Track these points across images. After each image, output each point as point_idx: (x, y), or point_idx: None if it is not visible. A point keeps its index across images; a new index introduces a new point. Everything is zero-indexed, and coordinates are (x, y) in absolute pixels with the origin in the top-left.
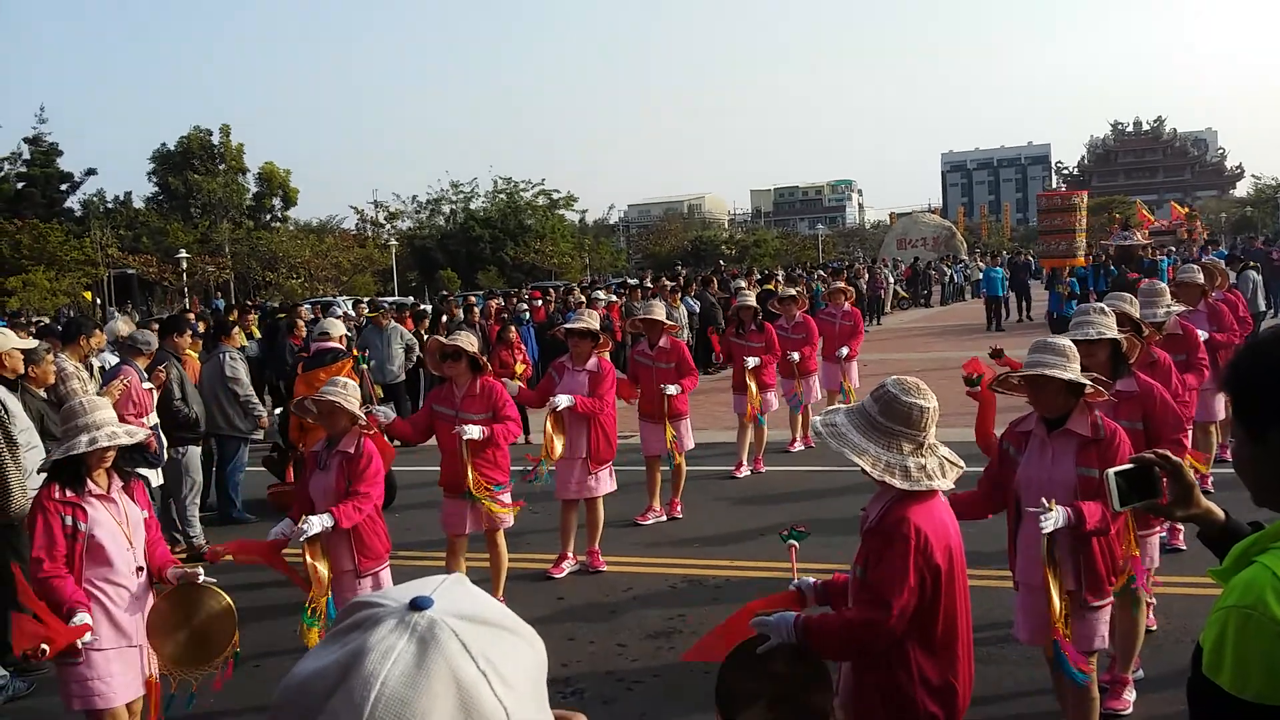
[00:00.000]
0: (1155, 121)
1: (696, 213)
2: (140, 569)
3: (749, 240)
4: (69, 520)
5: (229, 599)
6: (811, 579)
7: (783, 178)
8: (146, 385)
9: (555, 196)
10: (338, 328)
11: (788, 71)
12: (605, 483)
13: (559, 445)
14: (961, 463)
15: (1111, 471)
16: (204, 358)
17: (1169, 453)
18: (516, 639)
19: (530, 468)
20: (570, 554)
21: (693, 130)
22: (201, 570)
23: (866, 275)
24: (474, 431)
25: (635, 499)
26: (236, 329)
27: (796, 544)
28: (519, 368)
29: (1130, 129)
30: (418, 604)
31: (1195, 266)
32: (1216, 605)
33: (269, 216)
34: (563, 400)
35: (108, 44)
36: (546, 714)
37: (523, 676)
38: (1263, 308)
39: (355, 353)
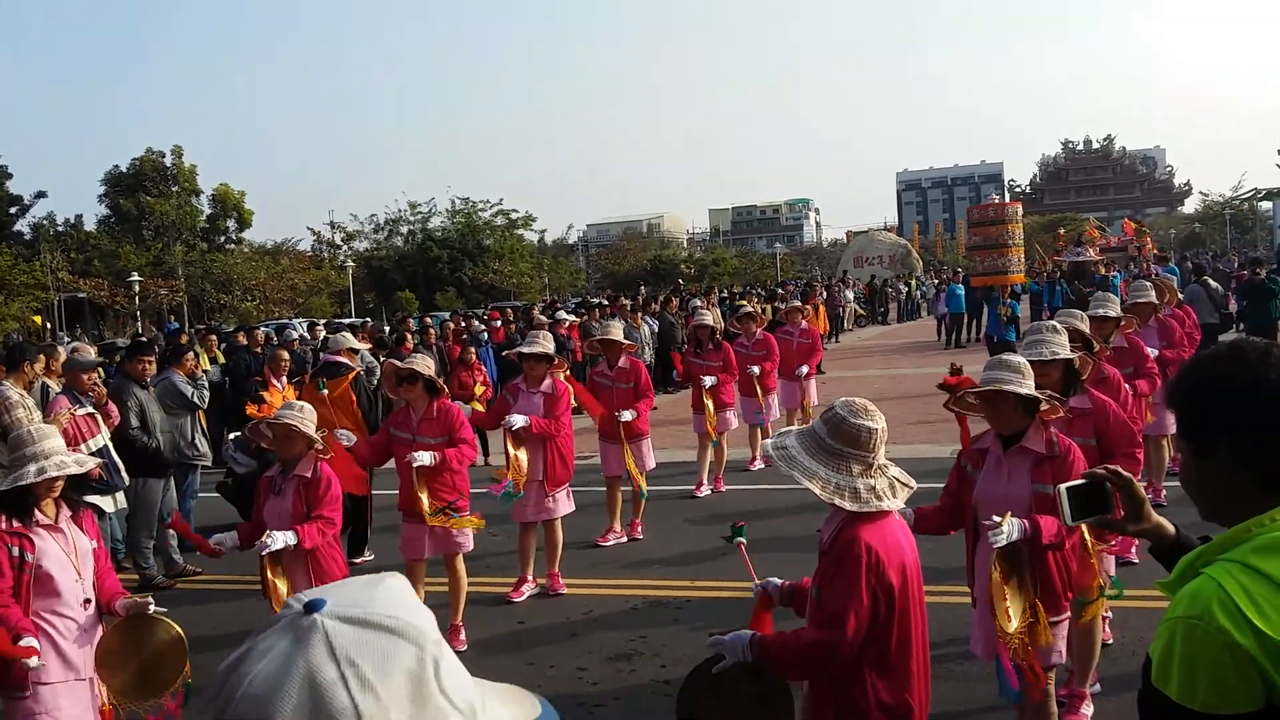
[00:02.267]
0: (1105, 140)
1: (655, 232)
2: (89, 601)
3: (708, 259)
4: (15, 551)
5: (179, 629)
6: (777, 580)
7: (741, 197)
8: (83, 410)
9: (514, 216)
10: (345, 342)
11: (745, 91)
12: (563, 504)
13: (524, 461)
14: (912, 482)
15: (1063, 487)
16: (156, 381)
17: (1120, 468)
18: (395, 639)
19: (498, 483)
20: (530, 577)
21: (651, 150)
22: (152, 600)
23: (824, 293)
24: (425, 458)
25: (596, 520)
26: (190, 355)
27: (744, 540)
28: (478, 389)
29: (1081, 147)
30: (310, 606)
31: (1147, 284)
32: (1164, 617)
33: (223, 238)
34: (517, 420)
35: (58, 64)
36: (431, 711)
37: (395, 678)
38: (1214, 319)
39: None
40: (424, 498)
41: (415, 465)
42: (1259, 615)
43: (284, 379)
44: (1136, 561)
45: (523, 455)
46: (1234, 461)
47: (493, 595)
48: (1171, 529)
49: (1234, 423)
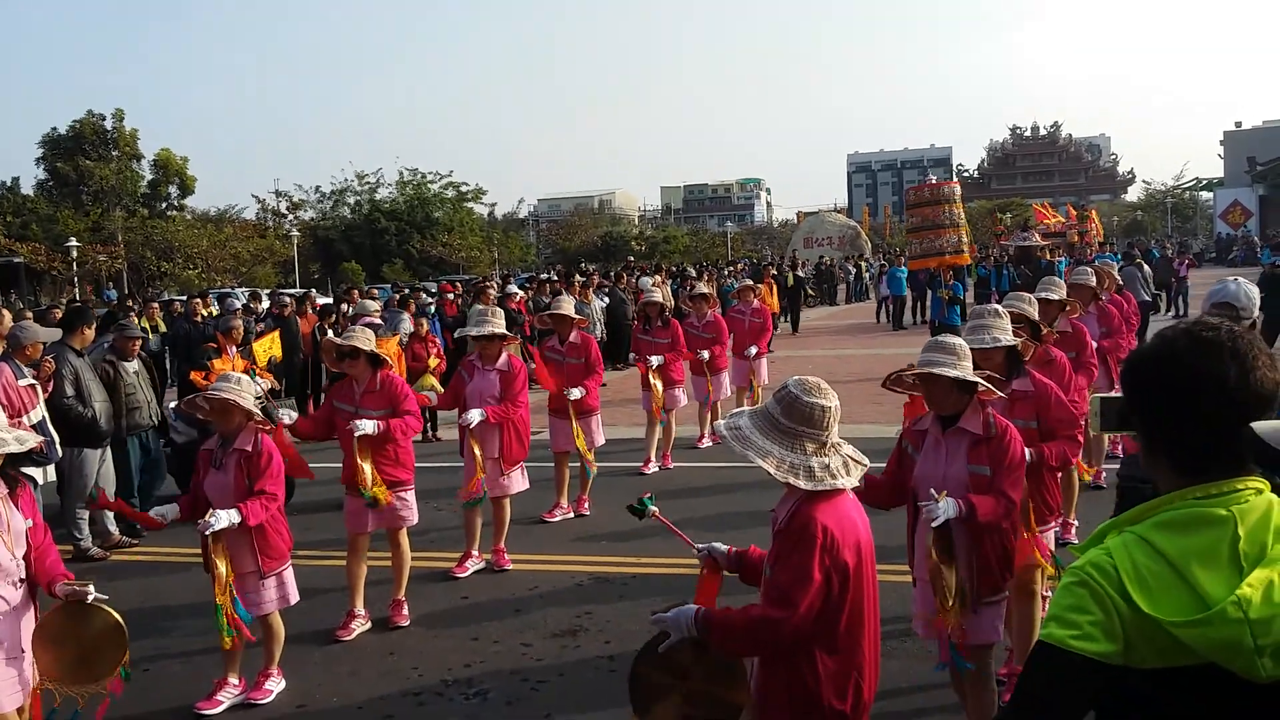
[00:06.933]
0: (1052, 126)
1: (607, 208)
2: (22, 580)
3: (659, 236)
4: None
5: (118, 616)
6: (722, 546)
7: (693, 175)
8: (26, 381)
9: (463, 189)
10: (373, 306)
11: (699, 70)
12: (517, 482)
13: (480, 454)
14: (865, 460)
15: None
16: (92, 349)
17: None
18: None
19: (467, 489)
20: (475, 552)
21: (604, 126)
22: (92, 587)
23: (774, 272)
24: (367, 426)
25: (542, 496)
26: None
27: (655, 509)
28: (432, 362)
29: (1028, 133)
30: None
31: (1089, 269)
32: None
33: (165, 205)
34: (474, 416)
35: None
36: None
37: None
38: (1146, 298)
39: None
40: (366, 468)
41: (357, 434)
42: (1140, 590)
43: (235, 348)
44: (1076, 542)
45: (478, 448)
46: (1151, 446)
47: (437, 570)
48: None
49: (1147, 409)
